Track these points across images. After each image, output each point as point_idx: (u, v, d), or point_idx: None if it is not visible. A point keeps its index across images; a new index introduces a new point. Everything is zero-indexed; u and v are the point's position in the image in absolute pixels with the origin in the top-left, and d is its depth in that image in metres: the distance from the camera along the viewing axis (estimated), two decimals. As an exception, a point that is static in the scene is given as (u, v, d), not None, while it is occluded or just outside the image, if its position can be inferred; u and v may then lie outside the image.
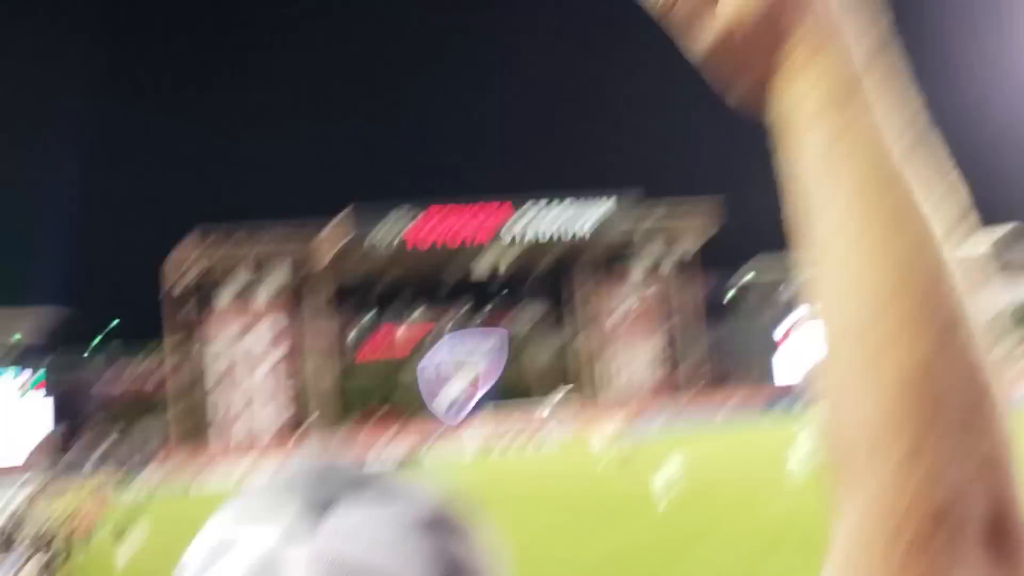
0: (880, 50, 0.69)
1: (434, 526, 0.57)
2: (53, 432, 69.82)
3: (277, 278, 71.21)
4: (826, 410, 0.65)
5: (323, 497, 0.57)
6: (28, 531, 31.35)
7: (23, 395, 68.83)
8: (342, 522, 0.55)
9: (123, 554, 28.97)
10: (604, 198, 73.32)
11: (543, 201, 72.45)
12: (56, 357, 76.87)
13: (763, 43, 0.69)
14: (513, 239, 71.48)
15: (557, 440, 62.62)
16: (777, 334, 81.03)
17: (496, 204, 71.51)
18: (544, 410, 71.27)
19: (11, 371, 69.14)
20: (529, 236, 72.10)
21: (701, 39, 0.70)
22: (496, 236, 70.96)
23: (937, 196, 0.67)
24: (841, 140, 0.66)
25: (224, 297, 71.21)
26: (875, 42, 0.69)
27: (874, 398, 0.61)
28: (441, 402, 74.18)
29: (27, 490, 45.60)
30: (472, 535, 0.59)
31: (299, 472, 0.61)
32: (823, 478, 0.65)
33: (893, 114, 0.68)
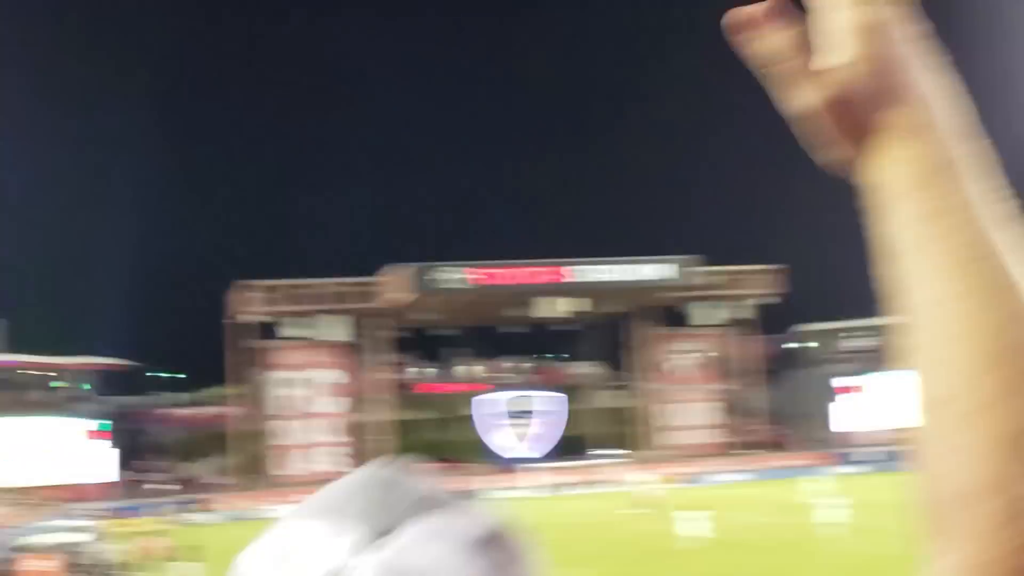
0: (967, 133, 0.72)
1: (491, 545, 0.57)
2: (118, 474, 71.20)
3: (336, 328, 72.41)
4: (923, 469, 0.66)
5: (386, 519, 0.57)
6: (98, 563, 32.13)
7: (87, 442, 70.26)
8: (407, 535, 0.56)
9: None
10: (663, 264, 73.23)
11: (591, 268, 72.38)
12: (121, 407, 78.70)
13: (863, 113, 0.71)
14: (572, 293, 71.73)
15: (610, 491, 62.50)
16: (834, 398, 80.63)
17: (545, 269, 71.66)
18: (600, 462, 71.07)
19: (78, 418, 70.76)
20: (589, 291, 72.32)
21: (802, 99, 0.72)
22: (556, 289, 71.34)
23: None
24: (937, 215, 0.68)
25: (285, 345, 72.73)
26: (963, 125, 0.71)
27: (974, 459, 0.63)
28: (498, 447, 74.82)
29: (95, 524, 46.51)
30: (525, 558, 0.60)
31: (365, 486, 0.60)
32: (914, 533, 0.66)
33: (982, 190, 0.70)
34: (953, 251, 0.67)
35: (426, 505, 0.59)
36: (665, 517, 35.48)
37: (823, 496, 33.82)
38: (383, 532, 0.56)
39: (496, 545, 0.58)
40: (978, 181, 0.70)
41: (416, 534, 0.56)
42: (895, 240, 0.70)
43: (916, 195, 0.69)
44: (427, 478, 0.62)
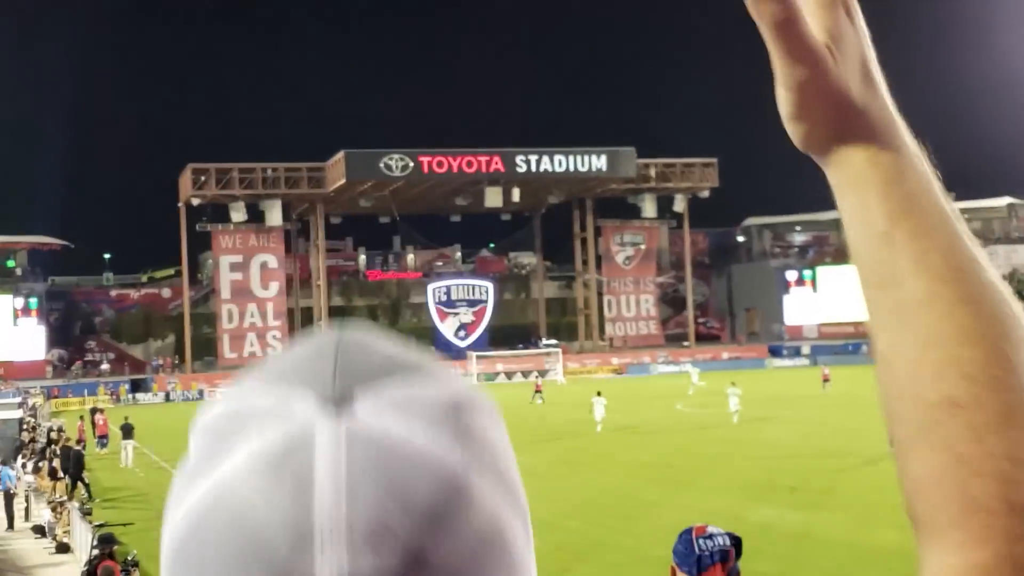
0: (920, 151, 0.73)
1: (462, 412, 0.56)
2: (50, 353, 70.76)
3: (277, 212, 71.72)
4: (934, 470, 0.65)
5: (343, 383, 0.54)
6: (39, 437, 32.25)
7: (16, 321, 69.28)
8: (375, 400, 0.53)
9: (127, 457, 29.97)
10: (597, 155, 72.58)
11: (534, 157, 71.71)
12: (54, 286, 77.73)
13: (841, 99, 0.71)
14: (510, 184, 71.34)
15: (551, 381, 63.76)
16: (774, 290, 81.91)
17: (487, 157, 70.93)
18: (541, 352, 72.18)
19: (7, 297, 69.61)
20: (528, 181, 71.95)
21: (787, 74, 0.71)
22: (498, 177, 70.97)
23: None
24: (915, 210, 0.70)
25: (225, 228, 72.16)
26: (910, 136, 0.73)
27: (1010, 466, 0.63)
28: (445, 334, 75.71)
29: (33, 402, 46.58)
30: (496, 426, 0.59)
31: (319, 349, 0.57)
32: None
33: (944, 195, 0.72)
34: (940, 251, 0.68)
35: (388, 370, 0.55)
36: (580, 404, 37.09)
37: (734, 387, 35.54)
38: (341, 398, 0.52)
39: (467, 412, 0.56)
40: (939, 186, 0.72)
41: (380, 401, 0.53)
42: (864, 238, 0.70)
43: (890, 189, 0.70)
44: (389, 341, 0.58)
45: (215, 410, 0.56)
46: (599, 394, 34.72)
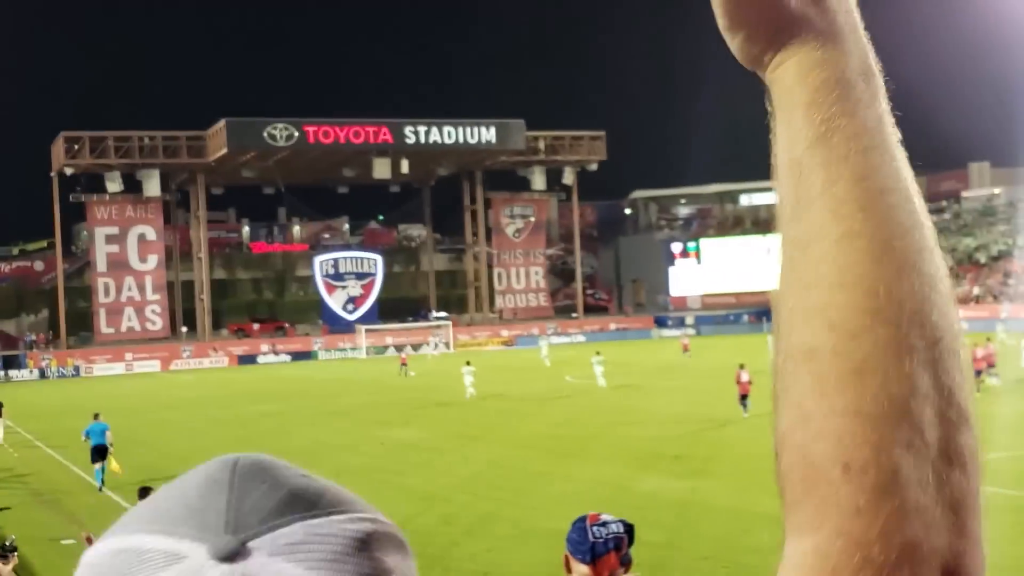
0: (871, 68, 0.66)
1: (370, 546, 0.52)
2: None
3: (155, 182, 69.37)
4: (786, 429, 0.60)
5: (236, 530, 0.50)
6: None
7: None
8: (271, 548, 0.50)
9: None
10: (486, 127, 72.32)
11: (423, 128, 71.02)
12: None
13: (771, 10, 0.66)
14: (399, 155, 70.60)
15: (439, 354, 63.78)
16: (660, 261, 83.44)
17: (375, 127, 69.91)
18: (431, 324, 72.00)
19: None
20: (417, 152, 71.40)
21: None
22: (382, 152, 70.16)
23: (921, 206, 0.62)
24: (834, 134, 0.62)
25: (101, 198, 69.48)
26: (868, 58, 0.66)
27: (850, 423, 0.57)
28: (332, 308, 74.67)
29: None
30: (406, 553, 0.55)
31: (209, 491, 0.52)
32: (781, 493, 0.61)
33: (883, 125, 0.64)
34: (846, 178, 0.61)
35: (286, 507, 0.52)
36: (457, 376, 37.69)
37: (598, 356, 37.14)
38: (233, 553, 0.49)
39: (373, 549, 0.52)
40: (881, 111, 0.64)
41: (276, 547, 0.50)
42: (786, 154, 0.64)
43: (815, 107, 0.63)
44: (288, 470, 0.55)
45: (101, 547, 0.53)
46: (468, 364, 35.88)
